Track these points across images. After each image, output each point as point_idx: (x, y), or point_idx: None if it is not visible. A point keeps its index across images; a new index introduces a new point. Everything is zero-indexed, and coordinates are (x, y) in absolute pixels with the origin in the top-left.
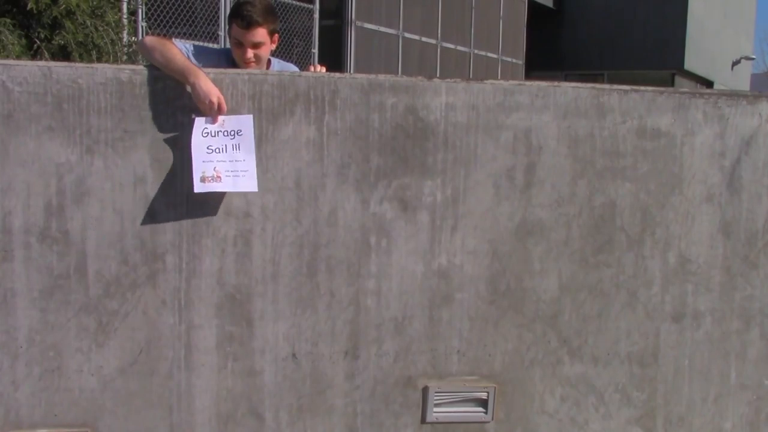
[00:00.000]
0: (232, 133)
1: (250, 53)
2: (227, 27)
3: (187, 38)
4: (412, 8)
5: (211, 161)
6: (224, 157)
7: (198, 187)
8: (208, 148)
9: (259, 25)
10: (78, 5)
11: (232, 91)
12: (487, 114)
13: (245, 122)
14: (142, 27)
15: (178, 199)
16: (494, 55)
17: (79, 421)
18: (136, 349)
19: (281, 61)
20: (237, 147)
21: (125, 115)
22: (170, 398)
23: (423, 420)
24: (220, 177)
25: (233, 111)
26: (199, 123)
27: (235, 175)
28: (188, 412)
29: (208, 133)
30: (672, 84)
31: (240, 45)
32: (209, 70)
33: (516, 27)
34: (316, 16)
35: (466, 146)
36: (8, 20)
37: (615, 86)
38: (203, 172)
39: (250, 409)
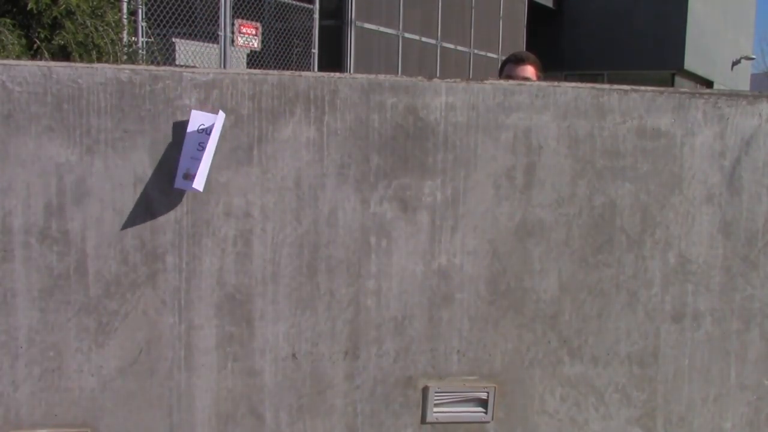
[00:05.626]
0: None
1: None
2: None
3: (187, 38)
4: (412, 8)
5: (197, 159)
6: (207, 157)
7: (179, 183)
8: (200, 144)
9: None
10: (78, 5)
11: (232, 91)
12: (487, 114)
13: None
14: (142, 27)
15: (178, 199)
16: (494, 55)
17: (79, 421)
18: (136, 349)
19: None
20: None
21: (125, 115)
22: (170, 398)
23: (423, 420)
24: (195, 177)
25: (232, 110)
26: (196, 117)
27: (201, 174)
28: (188, 412)
29: (203, 129)
30: (672, 84)
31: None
32: (209, 69)
33: (516, 27)
34: (316, 16)
35: (466, 146)
36: (8, 20)
37: (615, 86)
38: (187, 169)
39: (250, 409)
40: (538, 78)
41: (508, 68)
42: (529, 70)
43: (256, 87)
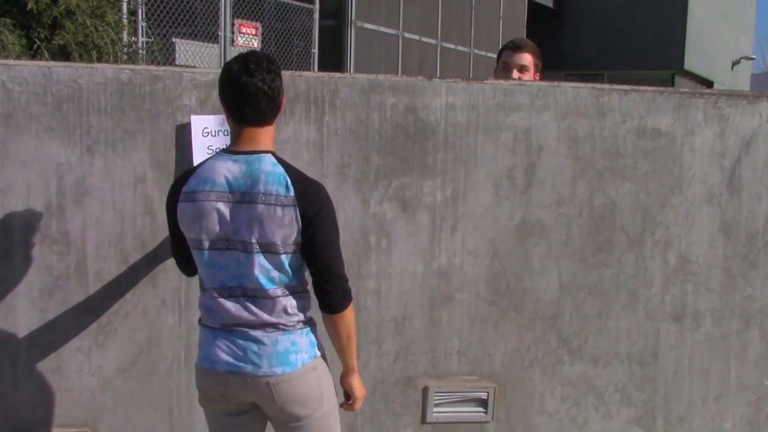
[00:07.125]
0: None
1: (515, 74)
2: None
3: (187, 38)
4: (412, 8)
5: None
6: None
7: None
8: (209, 148)
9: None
10: (78, 5)
11: None
12: (487, 114)
13: None
14: (142, 27)
15: None
16: (494, 55)
17: (79, 421)
18: (136, 349)
19: None
20: None
21: (125, 115)
22: (170, 398)
23: (423, 420)
24: None
25: None
26: (198, 122)
27: None
28: (188, 412)
29: (208, 132)
30: (672, 84)
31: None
32: (209, 70)
33: (516, 27)
34: (316, 16)
35: (466, 146)
36: (8, 20)
37: (615, 86)
38: None
39: None
40: (536, 65)
41: (505, 55)
42: (527, 58)
43: None
